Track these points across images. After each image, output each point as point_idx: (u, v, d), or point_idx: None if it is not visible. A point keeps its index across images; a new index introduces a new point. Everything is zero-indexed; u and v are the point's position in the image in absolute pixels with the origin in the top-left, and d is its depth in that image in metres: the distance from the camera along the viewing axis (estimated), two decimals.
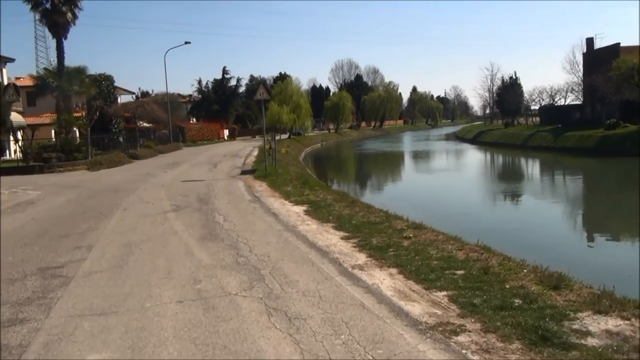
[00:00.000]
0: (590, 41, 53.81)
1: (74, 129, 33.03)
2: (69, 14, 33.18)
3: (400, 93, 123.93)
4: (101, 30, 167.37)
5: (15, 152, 31.50)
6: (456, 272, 6.02)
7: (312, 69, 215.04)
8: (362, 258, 6.92)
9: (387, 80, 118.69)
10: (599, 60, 47.35)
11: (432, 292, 5.40)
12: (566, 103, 57.57)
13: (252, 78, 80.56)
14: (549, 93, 59.40)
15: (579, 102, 55.02)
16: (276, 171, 19.70)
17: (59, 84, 30.87)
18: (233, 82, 70.10)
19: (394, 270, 6.24)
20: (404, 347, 4.11)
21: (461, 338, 4.22)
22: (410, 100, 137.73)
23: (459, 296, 5.18)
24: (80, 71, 32.08)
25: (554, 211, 18.30)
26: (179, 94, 66.68)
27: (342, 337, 4.32)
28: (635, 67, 38.67)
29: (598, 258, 11.37)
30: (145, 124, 47.31)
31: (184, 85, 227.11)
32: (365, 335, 4.33)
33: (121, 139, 37.34)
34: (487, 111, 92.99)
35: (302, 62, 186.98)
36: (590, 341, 4.06)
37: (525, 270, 6.00)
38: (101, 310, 5.28)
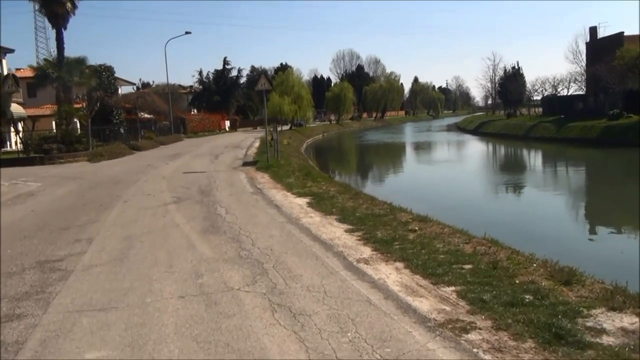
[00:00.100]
0: (593, 30, 53.19)
1: (75, 120, 32.96)
2: (69, 4, 32.97)
3: (401, 84, 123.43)
4: (101, 21, 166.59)
5: (15, 143, 31.39)
6: (464, 267, 5.87)
7: (313, 60, 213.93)
8: (367, 252, 6.78)
9: (388, 70, 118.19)
10: (602, 50, 46.95)
11: (439, 288, 5.26)
12: (569, 93, 57.05)
13: (253, 69, 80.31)
14: (552, 83, 58.98)
15: (582, 93, 54.47)
16: (278, 163, 19.55)
17: (59, 74, 30.72)
18: (234, 73, 69.84)
19: (400, 265, 6.10)
20: (413, 345, 3.98)
21: (472, 336, 4.08)
22: (411, 91, 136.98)
23: (467, 292, 5.04)
24: (80, 62, 31.93)
25: (556, 203, 18.14)
26: (179, 85, 66.52)
27: (349, 334, 4.19)
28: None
29: (602, 251, 11.19)
30: (146, 115, 47.13)
31: (185, 76, 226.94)
32: (372, 333, 4.20)
33: (122, 130, 37.18)
34: (489, 102, 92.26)
35: (303, 53, 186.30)
36: (606, 339, 3.93)
37: (534, 265, 5.86)
38: (101, 306, 5.17)
